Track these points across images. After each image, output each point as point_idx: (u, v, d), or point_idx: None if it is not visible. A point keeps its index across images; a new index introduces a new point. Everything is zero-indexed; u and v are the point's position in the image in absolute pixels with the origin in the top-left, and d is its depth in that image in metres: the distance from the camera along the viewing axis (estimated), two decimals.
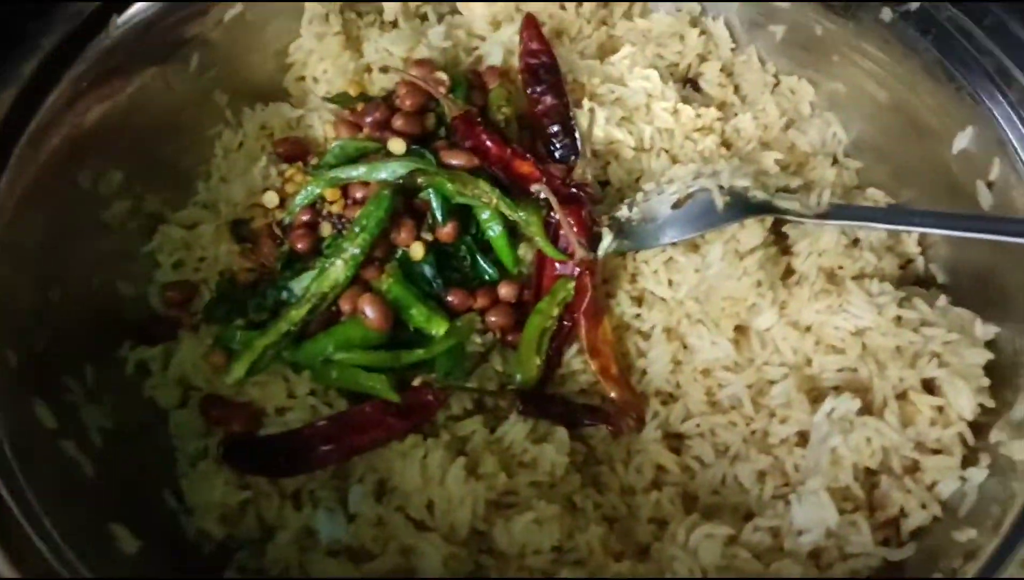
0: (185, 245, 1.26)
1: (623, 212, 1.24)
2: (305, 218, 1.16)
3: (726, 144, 1.38)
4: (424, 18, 1.47)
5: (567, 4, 1.50)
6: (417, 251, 1.12)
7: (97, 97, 1.16)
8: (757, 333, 1.17)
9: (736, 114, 1.42)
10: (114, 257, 1.21)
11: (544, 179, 1.17)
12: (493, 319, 1.16)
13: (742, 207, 1.18)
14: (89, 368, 1.09)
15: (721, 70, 1.47)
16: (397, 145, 1.15)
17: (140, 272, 1.24)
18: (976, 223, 1.09)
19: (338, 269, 1.08)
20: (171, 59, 1.26)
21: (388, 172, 1.12)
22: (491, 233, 1.16)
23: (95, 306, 1.15)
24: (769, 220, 1.19)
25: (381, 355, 1.08)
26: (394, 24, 1.42)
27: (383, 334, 1.08)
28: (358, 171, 1.13)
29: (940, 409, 1.05)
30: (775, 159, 1.35)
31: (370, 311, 1.06)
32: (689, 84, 1.47)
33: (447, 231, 1.13)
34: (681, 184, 1.23)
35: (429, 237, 1.14)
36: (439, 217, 1.13)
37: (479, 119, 1.20)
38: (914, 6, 1.25)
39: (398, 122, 1.19)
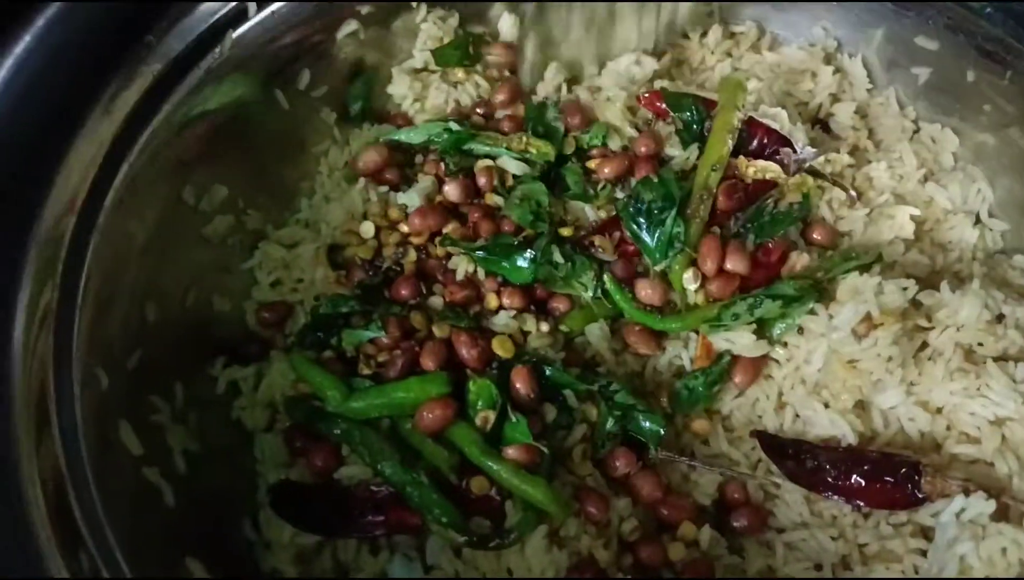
0: (284, 264, 1.24)
1: None
2: None
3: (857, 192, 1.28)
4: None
5: (691, 33, 1.43)
6: None
7: (207, 112, 1.15)
8: (879, 410, 1.07)
9: (869, 161, 1.31)
10: (212, 272, 1.19)
11: None
12: None
13: None
14: (179, 386, 1.07)
15: (855, 112, 1.36)
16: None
17: (237, 288, 1.22)
18: None
19: None
20: (282, 75, 1.25)
21: None
22: None
23: (190, 322, 1.14)
24: (912, 288, 1.08)
25: None
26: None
27: None
28: None
29: None
30: (910, 214, 1.24)
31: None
32: (819, 125, 1.37)
33: None
34: None
35: None
36: None
37: None
38: None
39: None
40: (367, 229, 1.19)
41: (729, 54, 1.42)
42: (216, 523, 1.02)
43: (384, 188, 1.25)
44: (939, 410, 1.05)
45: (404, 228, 1.21)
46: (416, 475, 1.00)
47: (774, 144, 1.23)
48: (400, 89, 1.35)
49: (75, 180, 0.98)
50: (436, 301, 1.15)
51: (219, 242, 1.21)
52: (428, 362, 1.07)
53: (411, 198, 1.22)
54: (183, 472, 1.01)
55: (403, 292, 1.14)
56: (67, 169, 0.97)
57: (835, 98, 1.38)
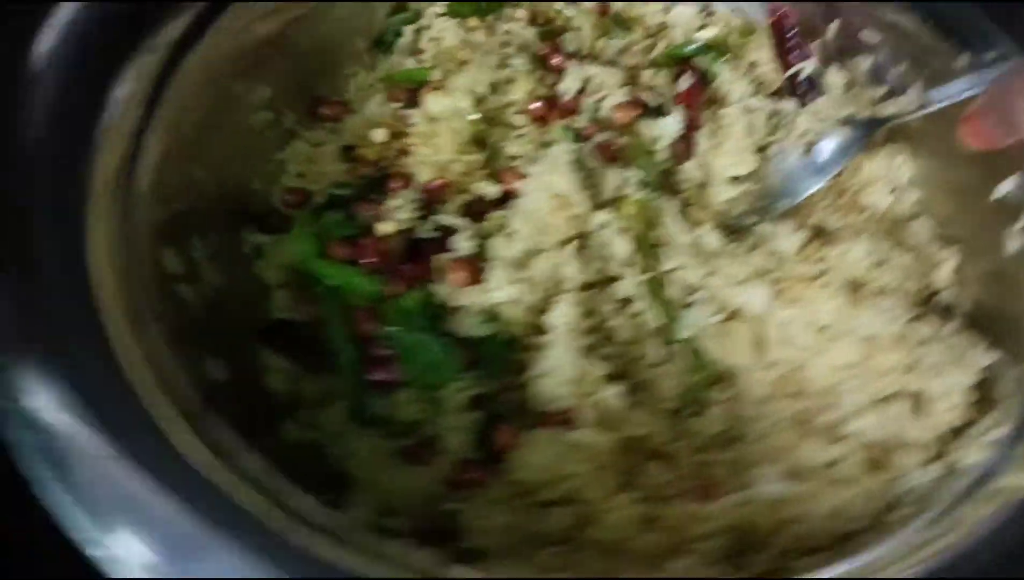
0: (309, 159, 1.49)
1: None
2: None
3: None
4: None
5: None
6: None
7: (258, 25, 1.41)
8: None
9: None
10: (251, 157, 1.44)
11: None
12: None
13: (861, 131, 1.34)
14: (213, 235, 1.30)
15: None
16: None
17: (270, 173, 1.47)
18: None
19: None
20: (319, 7, 1.49)
21: None
22: None
23: (229, 191, 1.38)
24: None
25: None
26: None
27: None
28: None
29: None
30: None
31: None
32: None
33: None
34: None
35: None
36: None
37: None
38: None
39: None
40: (377, 135, 1.45)
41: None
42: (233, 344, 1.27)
43: (398, 104, 1.51)
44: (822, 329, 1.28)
45: (409, 140, 1.47)
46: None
47: None
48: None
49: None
50: None
51: (259, 133, 1.46)
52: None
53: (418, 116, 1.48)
54: (211, 297, 1.26)
55: (393, 185, 1.40)
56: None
57: None
